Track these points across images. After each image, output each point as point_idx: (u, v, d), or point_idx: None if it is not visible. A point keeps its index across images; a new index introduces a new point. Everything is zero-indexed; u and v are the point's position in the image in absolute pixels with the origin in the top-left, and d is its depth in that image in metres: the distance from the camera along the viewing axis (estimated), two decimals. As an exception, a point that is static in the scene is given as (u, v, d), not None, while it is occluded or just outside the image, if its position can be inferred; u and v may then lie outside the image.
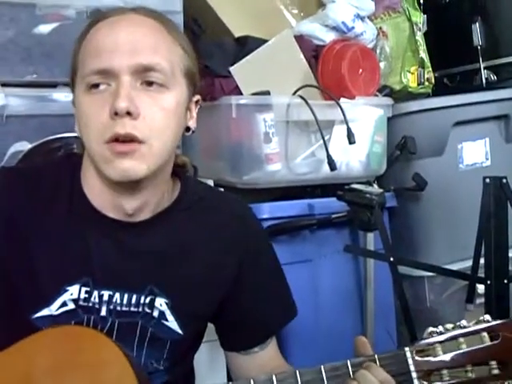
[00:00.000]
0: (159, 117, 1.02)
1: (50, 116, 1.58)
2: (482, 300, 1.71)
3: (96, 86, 1.01)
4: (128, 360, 0.98)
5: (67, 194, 1.10)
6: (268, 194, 1.92)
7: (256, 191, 1.87)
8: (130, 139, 0.99)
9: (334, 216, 1.85)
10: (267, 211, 1.79)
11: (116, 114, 0.98)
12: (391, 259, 1.69)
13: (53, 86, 1.63)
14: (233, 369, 1.27)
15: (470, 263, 1.76)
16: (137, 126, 0.99)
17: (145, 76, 1.02)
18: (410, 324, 1.70)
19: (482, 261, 1.70)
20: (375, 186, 1.99)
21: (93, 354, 0.99)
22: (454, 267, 1.95)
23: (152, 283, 1.10)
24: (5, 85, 1.56)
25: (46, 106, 1.58)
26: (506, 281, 1.64)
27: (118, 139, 0.99)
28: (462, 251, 1.95)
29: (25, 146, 1.55)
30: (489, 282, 1.65)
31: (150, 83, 1.02)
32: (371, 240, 1.92)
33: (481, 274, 1.71)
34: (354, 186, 1.77)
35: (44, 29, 1.60)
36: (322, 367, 0.99)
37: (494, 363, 1.00)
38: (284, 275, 1.27)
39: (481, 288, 1.75)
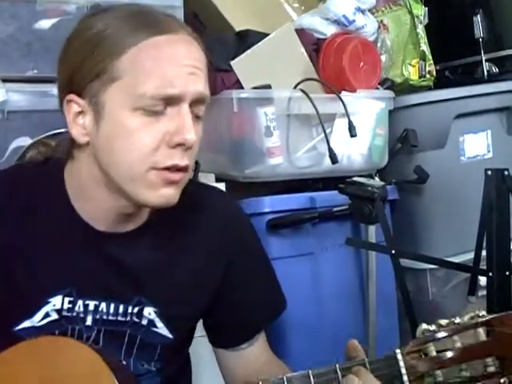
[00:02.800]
0: (197, 146, 1.03)
1: (51, 111, 1.57)
2: (484, 292, 1.71)
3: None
4: (110, 367, 0.97)
5: (50, 205, 1.07)
6: (269, 188, 1.92)
7: (258, 185, 1.87)
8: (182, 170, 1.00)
9: (335, 209, 1.84)
10: (269, 205, 1.79)
11: (179, 144, 0.97)
12: (393, 252, 1.70)
13: (53, 81, 1.62)
14: (221, 365, 1.26)
15: (471, 255, 1.75)
16: (189, 156, 1.00)
17: (196, 107, 1.00)
18: (412, 317, 1.70)
19: (483, 253, 1.70)
20: (377, 178, 2.00)
21: (75, 364, 0.98)
22: (456, 259, 1.94)
23: (140, 294, 1.09)
24: (5, 80, 1.56)
25: (47, 102, 1.57)
26: (507, 273, 1.64)
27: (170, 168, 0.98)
28: (464, 243, 1.94)
29: (26, 141, 1.54)
30: (490, 274, 1.65)
31: (198, 116, 1.02)
32: (373, 233, 1.93)
33: (483, 266, 1.71)
34: (356, 178, 1.76)
35: (44, 24, 1.60)
36: (310, 372, 0.96)
37: (489, 360, 0.96)
38: (273, 269, 1.26)
39: (483, 280, 1.75)
